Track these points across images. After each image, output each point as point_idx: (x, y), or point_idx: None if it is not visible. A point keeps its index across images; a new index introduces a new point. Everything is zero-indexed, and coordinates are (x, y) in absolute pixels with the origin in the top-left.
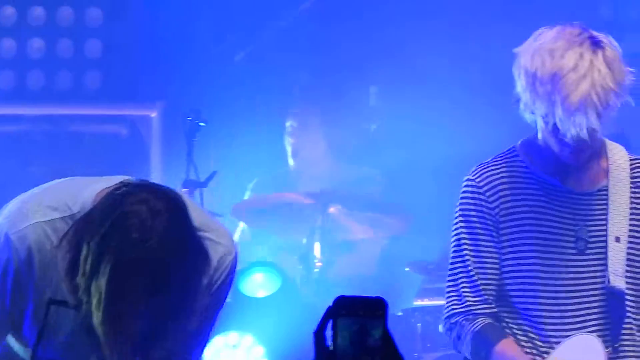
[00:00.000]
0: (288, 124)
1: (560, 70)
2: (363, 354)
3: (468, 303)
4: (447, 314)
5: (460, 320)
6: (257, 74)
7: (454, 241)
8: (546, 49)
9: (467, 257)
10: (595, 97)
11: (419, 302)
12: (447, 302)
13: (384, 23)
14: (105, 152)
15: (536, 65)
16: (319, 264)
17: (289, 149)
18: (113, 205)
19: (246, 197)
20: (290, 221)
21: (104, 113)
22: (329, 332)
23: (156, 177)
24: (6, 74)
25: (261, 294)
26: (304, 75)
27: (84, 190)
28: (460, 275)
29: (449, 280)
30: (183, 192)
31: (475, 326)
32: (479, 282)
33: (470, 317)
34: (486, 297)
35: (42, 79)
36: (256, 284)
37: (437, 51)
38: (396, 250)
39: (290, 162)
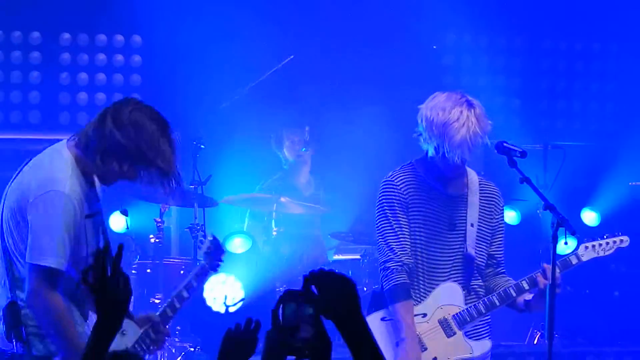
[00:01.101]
0: (295, 138)
1: (448, 120)
2: (301, 322)
3: (397, 253)
4: (383, 261)
5: (392, 267)
6: (237, 116)
7: (381, 216)
8: (440, 106)
9: (392, 224)
10: (469, 139)
11: (336, 257)
12: (384, 253)
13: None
14: None
15: (433, 116)
16: (274, 232)
17: (291, 153)
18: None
19: (256, 191)
20: (258, 206)
21: None
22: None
23: None
24: (82, 115)
25: (239, 250)
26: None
27: (61, 154)
28: (389, 236)
29: (381, 242)
30: (190, 187)
31: (398, 279)
32: (401, 240)
33: (399, 267)
34: (407, 250)
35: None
36: (236, 245)
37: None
38: (323, 225)
39: (291, 158)
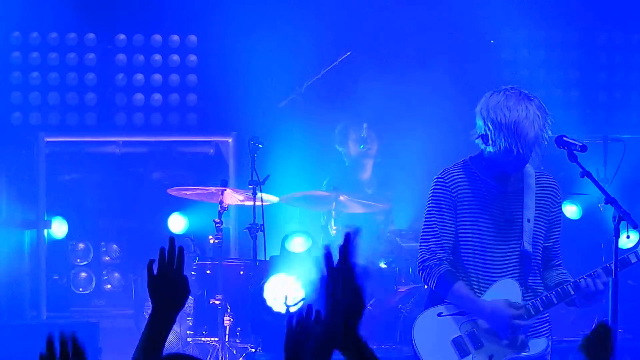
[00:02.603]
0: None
1: (518, 118)
2: None
3: (434, 250)
4: (420, 260)
5: (430, 264)
6: (295, 114)
7: (427, 215)
8: (504, 106)
9: (435, 225)
10: (541, 134)
11: None
12: (420, 253)
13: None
14: (200, 163)
15: (500, 117)
16: (333, 231)
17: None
18: None
19: (323, 188)
20: (316, 205)
21: (199, 139)
22: None
23: (232, 179)
24: (138, 116)
25: (299, 250)
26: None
27: None
28: (429, 235)
29: (422, 240)
30: (250, 187)
31: (440, 269)
32: (442, 240)
33: (437, 262)
34: (447, 249)
35: (160, 118)
36: (296, 244)
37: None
38: (382, 223)
39: (354, 154)
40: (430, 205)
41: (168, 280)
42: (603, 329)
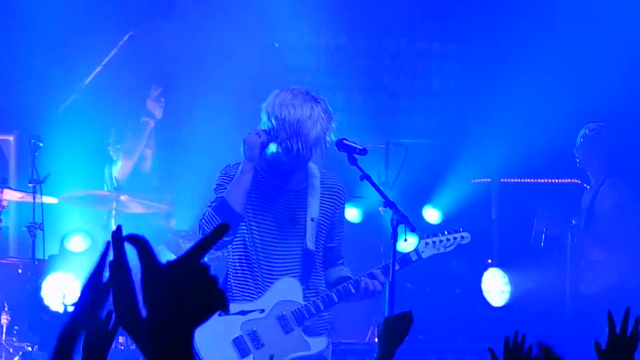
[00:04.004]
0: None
1: (301, 117)
2: None
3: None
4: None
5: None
6: (76, 113)
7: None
8: (289, 104)
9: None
10: (322, 134)
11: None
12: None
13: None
14: None
15: (284, 114)
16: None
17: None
18: None
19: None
20: (97, 204)
21: None
22: None
23: (13, 177)
24: None
25: (78, 249)
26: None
27: None
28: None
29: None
30: (30, 185)
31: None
32: None
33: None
34: None
35: None
36: (75, 243)
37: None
38: (165, 223)
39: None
40: (215, 192)
41: None
42: (408, 317)
